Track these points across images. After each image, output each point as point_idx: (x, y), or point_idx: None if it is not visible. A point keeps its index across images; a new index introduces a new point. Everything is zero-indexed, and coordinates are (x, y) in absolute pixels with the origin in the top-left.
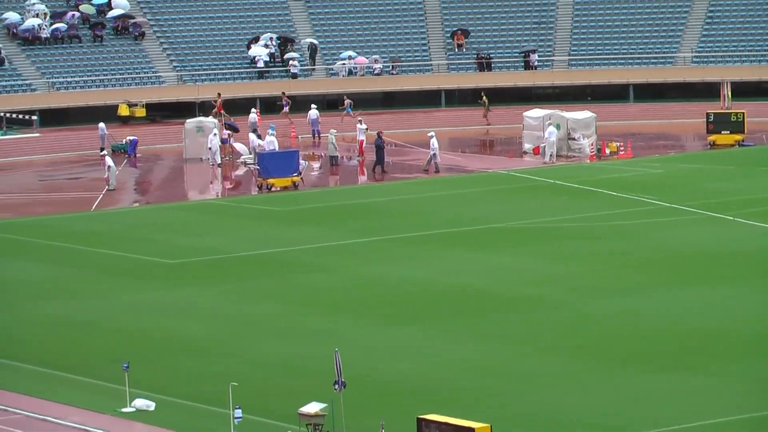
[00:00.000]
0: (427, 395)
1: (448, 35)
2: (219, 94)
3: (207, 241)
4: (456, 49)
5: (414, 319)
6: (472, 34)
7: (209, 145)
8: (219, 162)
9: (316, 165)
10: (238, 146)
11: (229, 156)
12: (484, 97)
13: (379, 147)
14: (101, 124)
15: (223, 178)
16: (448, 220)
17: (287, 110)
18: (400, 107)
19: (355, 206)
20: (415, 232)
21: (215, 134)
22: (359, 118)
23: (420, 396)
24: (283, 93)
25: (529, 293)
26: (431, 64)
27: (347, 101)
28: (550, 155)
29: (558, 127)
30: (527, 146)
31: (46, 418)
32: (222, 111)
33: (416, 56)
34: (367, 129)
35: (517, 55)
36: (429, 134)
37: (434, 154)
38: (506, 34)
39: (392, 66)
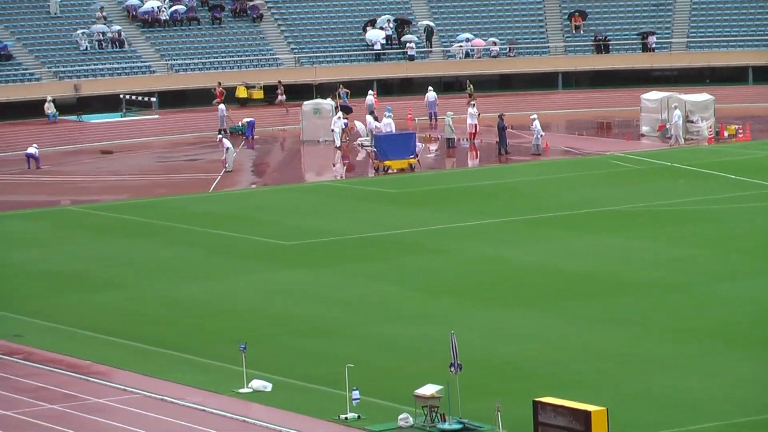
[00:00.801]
0: (543, 378)
1: (566, 17)
2: (219, 83)
3: (323, 223)
4: (573, 31)
5: (530, 302)
6: (589, 15)
7: (332, 127)
8: (338, 144)
9: (432, 147)
10: (358, 125)
11: (347, 138)
12: (470, 86)
13: (501, 129)
14: (221, 105)
15: (342, 160)
16: (564, 202)
17: (283, 99)
18: (517, 89)
19: (471, 189)
20: (531, 214)
21: (339, 117)
22: (472, 102)
23: (536, 379)
24: (279, 82)
25: (646, 276)
26: (548, 46)
27: (342, 90)
28: (676, 137)
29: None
30: (645, 128)
31: (165, 398)
32: (222, 99)
33: (533, 38)
34: (479, 114)
35: (634, 37)
36: (531, 116)
37: (537, 136)
38: (624, 16)
39: (509, 48)
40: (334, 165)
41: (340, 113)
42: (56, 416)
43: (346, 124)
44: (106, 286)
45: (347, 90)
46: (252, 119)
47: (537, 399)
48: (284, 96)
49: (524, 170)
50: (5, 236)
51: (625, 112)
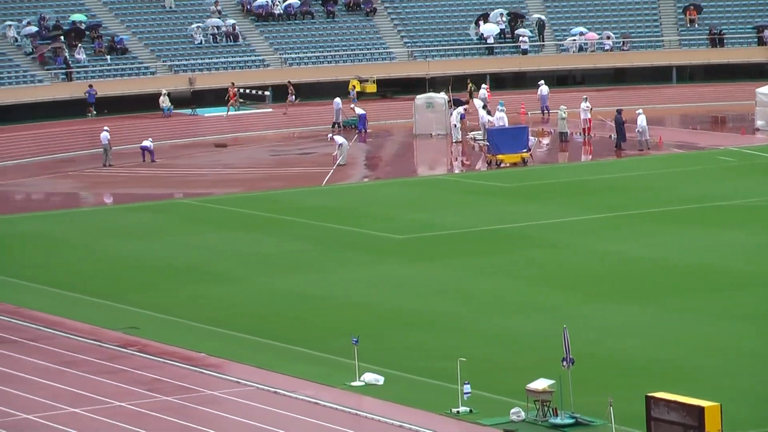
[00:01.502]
0: (655, 373)
1: (680, 10)
2: (233, 83)
3: (435, 217)
4: (688, 25)
5: (644, 297)
6: (704, 9)
7: (454, 122)
8: (459, 138)
9: (545, 141)
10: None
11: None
12: (470, 85)
13: (620, 123)
14: (336, 99)
15: (457, 154)
16: (679, 197)
17: (293, 99)
18: (631, 83)
19: (585, 182)
20: (646, 209)
21: (459, 112)
22: (584, 96)
23: (648, 373)
24: (289, 82)
25: (763, 271)
26: (662, 40)
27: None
28: None
29: None
30: (760, 123)
31: (278, 390)
32: (234, 100)
33: (647, 32)
34: (591, 108)
35: (750, 30)
36: (637, 111)
37: (641, 132)
38: (739, 10)
39: (623, 42)
40: (455, 159)
41: (460, 108)
42: (171, 408)
43: (463, 116)
44: (220, 278)
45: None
46: (364, 112)
47: (650, 394)
48: (294, 97)
49: (639, 164)
50: (120, 229)
51: (740, 107)
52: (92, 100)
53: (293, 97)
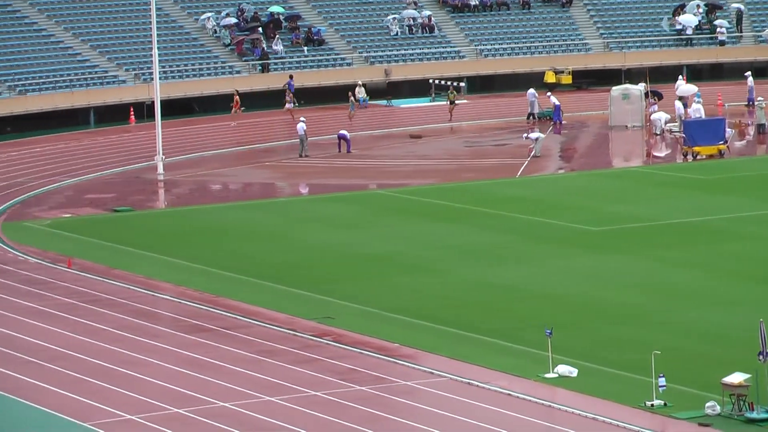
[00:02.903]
0: None
1: None
2: (237, 91)
3: (631, 209)
4: None
5: None
6: None
7: (653, 116)
8: (660, 132)
9: (743, 133)
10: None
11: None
12: (452, 91)
13: None
14: (531, 90)
15: (652, 147)
16: None
17: (290, 106)
18: None
19: None
20: None
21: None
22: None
23: None
24: (287, 85)
25: None
26: None
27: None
28: None
29: None
30: None
31: (471, 381)
32: (238, 108)
33: None
34: None
35: None
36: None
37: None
38: None
39: None
40: (652, 152)
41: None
42: (365, 398)
43: (656, 109)
44: (415, 269)
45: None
46: (559, 104)
47: None
48: (292, 103)
49: None
50: (316, 219)
51: None
52: (292, 90)
53: (292, 104)
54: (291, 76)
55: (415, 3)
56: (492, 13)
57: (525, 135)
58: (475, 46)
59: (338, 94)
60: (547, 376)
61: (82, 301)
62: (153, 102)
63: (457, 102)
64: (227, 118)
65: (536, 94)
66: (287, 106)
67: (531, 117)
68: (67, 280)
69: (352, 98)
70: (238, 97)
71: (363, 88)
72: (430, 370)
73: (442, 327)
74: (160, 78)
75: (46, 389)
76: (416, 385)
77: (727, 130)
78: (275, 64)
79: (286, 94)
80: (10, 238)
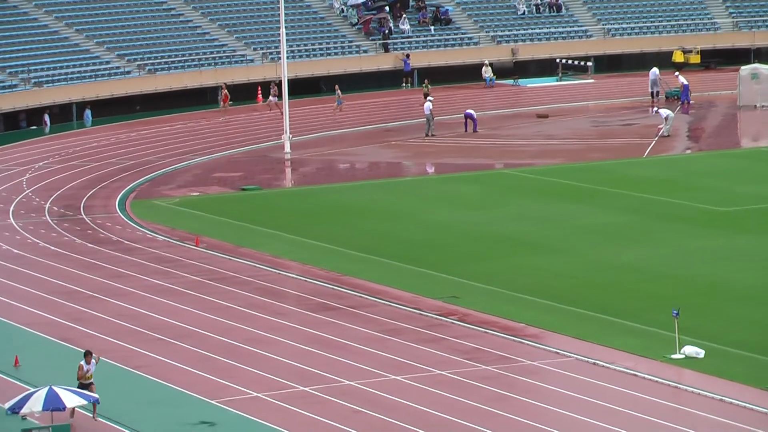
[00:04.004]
0: None
1: None
2: (224, 85)
3: (760, 189)
4: None
5: None
6: None
7: None
8: None
9: None
10: None
11: None
12: (426, 84)
13: None
14: (654, 69)
15: None
16: None
17: (274, 101)
18: None
19: None
20: None
21: None
22: (429, 98)
23: None
24: (273, 83)
25: None
26: None
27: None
28: None
29: None
30: None
31: (596, 362)
32: (227, 102)
33: None
34: None
35: None
36: None
37: None
38: None
39: None
40: None
41: None
42: (490, 377)
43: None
44: (542, 249)
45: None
46: (687, 83)
47: None
48: (277, 98)
49: None
50: (443, 198)
51: None
52: (407, 69)
53: (275, 98)
54: (407, 55)
55: None
56: None
57: (654, 109)
58: (603, 25)
59: (465, 74)
60: (674, 357)
61: (209, 280)
62: (280, 81)
63: (431, 97)
64: (231, 111)
65: (658, 73)
66: (271, 99)
67: (654, 95)
68: (194, 258)
69: (339, 92)
70: (226, 91)
71: (490, 68)
72: (556, 350)
73: (567, 307)
74: (287, 57)
75: (174, 366)
76: (541, 365)
77: None
78: (402, 43)
79: (271, 87)
80: (139, 216)
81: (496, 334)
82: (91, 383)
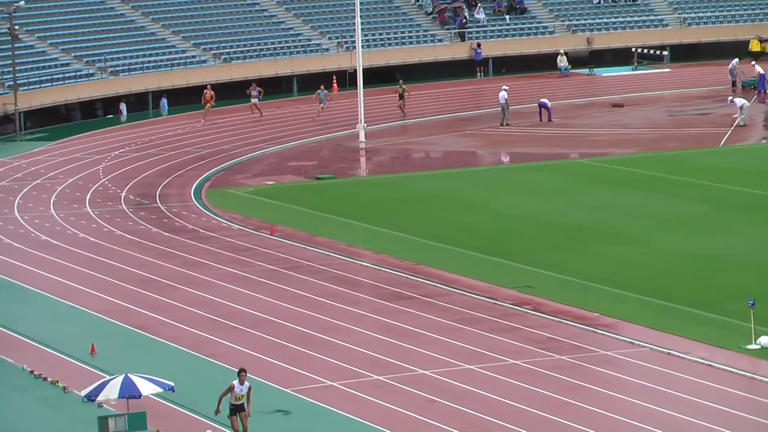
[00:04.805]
0: None
1: None
2: (208, 86)
3: None
4: None
5: None
6: None
7: None
8: None
9: None
10: None
11: None
12: (401, 84)
13: None
14: (735, 60)
15: None
16: None
17: (256, 101)
18: None
19: None
20: None
21: None
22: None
23: None
24: (253, 84)
25: None
26: None
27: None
28: None
29: None
30: None
31: (671, 352)
32: (210, 104)
33: None
34: None
35: None
36: None
37: None
38: None
39: None
40: None
41: None
42: (564, 367)
43: None
44: (618, 239)
45: (327, 90)
46: (764, 72)
47: None
48: (258, 99)
49: None
50: (518, 188)
51: None
52: (479, 58)
53: (256, 99)
54: (478, 44)
55: None
56: None
57: (730, 98)
58: (679, 14)
59: (540, 63)
60: (750, 347)
61: (283, 268)
62: (355, 70)
63: (406, 97)
64: (211, 114)
65: (737, 63)
66: (253, 101)
67: (734, 85)
68: (269, 247)
69: (324, 91)
70: (212, 92)
71: (565, 57)
72: (630, 340)
73: (642, 297)
74: (362, 46)
75: (249, 355)
76: (616, 355)
77: None
78: (476, 32)
79: (251, 88)
80: (214, 204)
81: (571, 324)
82: (243, 405)
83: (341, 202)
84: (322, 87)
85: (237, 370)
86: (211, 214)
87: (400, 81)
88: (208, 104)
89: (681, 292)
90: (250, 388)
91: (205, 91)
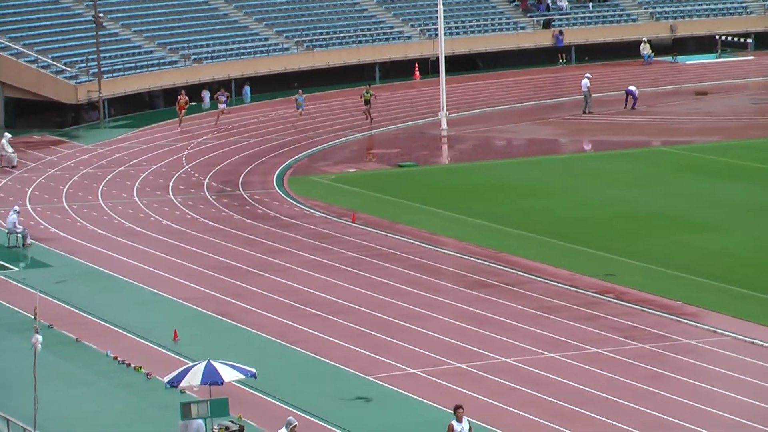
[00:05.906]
0: None
1: None
2: (182, 92)
3: None
4: None
5: None
6: None
7: None
8: None
9: None
10: None
11: None
12: (368, 90)
13: None
14: None
15: None
16: None
17: (224, 107)
18: None
19: None
20: None
21: None
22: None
23: None
24: (222, 89)
25: None
26: None
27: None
28: None
29: None
30: None
31: (755, 341)
32: (183, 110)
33: None
34: None
35: None
36: None
37: None
38: None
39: None
40: None
41: None
42: (646, 355)
43: None
44: (702, 227)
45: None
46: None
47: None
48: (226, 104)
49: None
50: (600, 176)
51: None
52: (560, 45)
53: (224, 105)
54: (560, 32)
55: None
56: None
57: None
58: (763, 1)
59: (624, 51)
60: None
61: (365, 256)
62: (437, 58)
63: (372, 102)
64: (185, 120)
65: None
66: (221, 107)
67: None
68: (351, 235)
69: (302, 96)
70: (186, 98)
71: (648, 45)
72: (713, 329)
73: (725, 285)
74: (444, 34)
75: (330, 342)
76: (699, 344)
77: None
78: (559, 20)
79: (220, 93)
80: (296, 192)
81: (653, 313)
82: None
83: (423, 189)
84: (300, 92)
85: (452, 409)
86: (293, 201)
87: (368, 86)
88: (182, 110)
89: (765, 281)
90: (470, 430)
91: (179, 96)
